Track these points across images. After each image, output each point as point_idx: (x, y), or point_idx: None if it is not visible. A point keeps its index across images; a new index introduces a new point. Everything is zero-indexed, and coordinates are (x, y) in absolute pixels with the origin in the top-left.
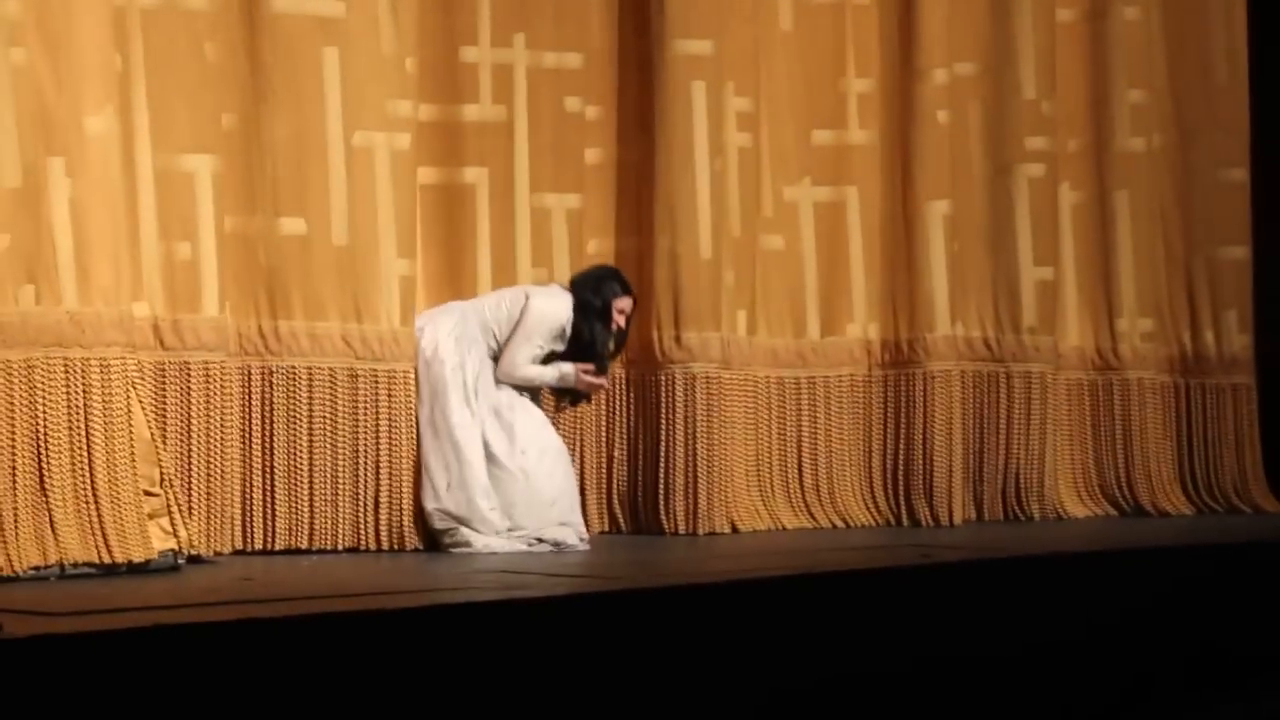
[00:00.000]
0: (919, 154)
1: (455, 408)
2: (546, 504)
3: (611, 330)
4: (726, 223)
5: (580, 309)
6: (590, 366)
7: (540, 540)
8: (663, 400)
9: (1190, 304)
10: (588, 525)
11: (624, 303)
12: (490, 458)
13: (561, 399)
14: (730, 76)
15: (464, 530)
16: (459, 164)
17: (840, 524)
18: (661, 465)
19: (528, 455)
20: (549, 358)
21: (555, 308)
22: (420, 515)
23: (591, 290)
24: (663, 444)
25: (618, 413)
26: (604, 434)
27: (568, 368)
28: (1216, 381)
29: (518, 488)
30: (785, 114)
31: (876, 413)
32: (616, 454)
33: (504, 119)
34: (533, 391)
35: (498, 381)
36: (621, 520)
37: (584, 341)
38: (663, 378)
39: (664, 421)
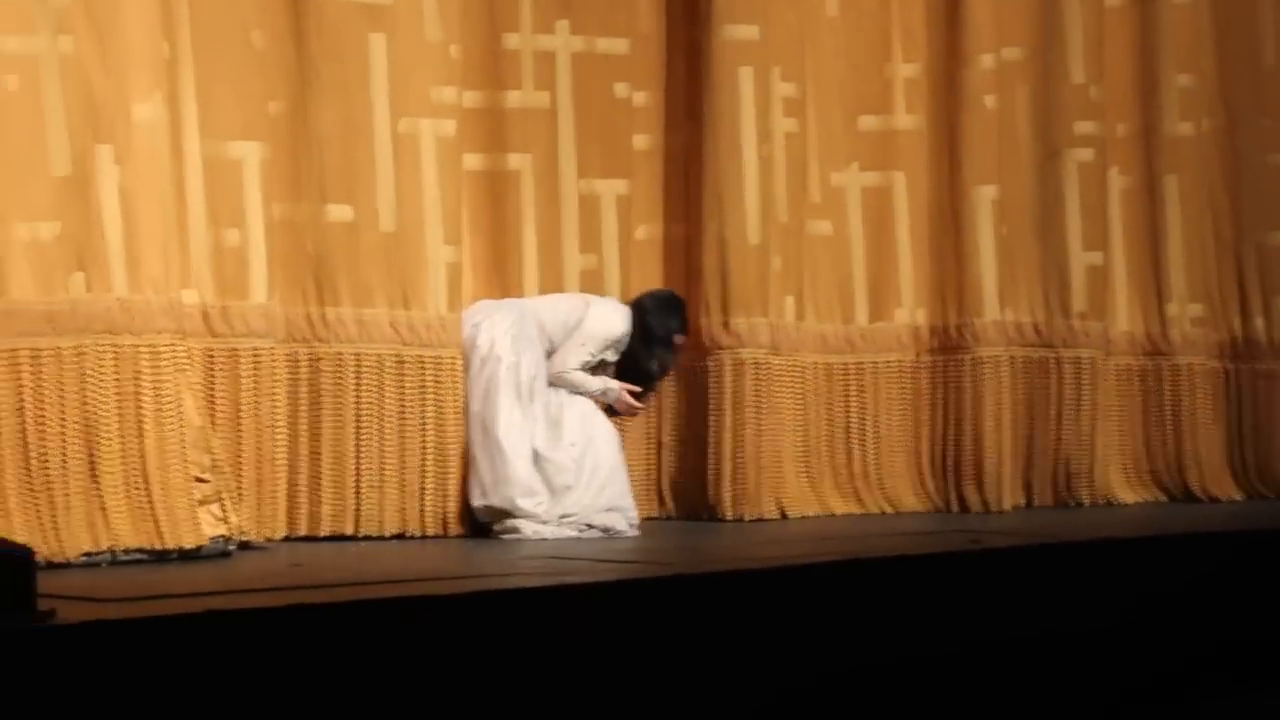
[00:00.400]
0: (966, 139)
1: (505, 407)
2: (596, 490)
3: (667, 361)
4: (774, 208)
5: (643, 333)
6: (635, 389)
7: (590, 526)
8: (711, 386)
9: (1240, 289)
10: (638, 511)
11: (681, 339)
12: (538, 455)
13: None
14: (777, 62)
15: (510, 520)
16: (503, 150)
17: (889, 510)
18: (710, 451)
19: (576, 446)
20: (596, 369)
21: (613, 321)
22: (467, 502)
23: (660, 317)
24: (711, 430)
25: (666, 399)
26: (652, 420)
27: (613, 384)
28: (1267, 367)
29: (567, 476)
30: (832, 99)
31: (925, 398)
32: (665, 440)
33: (546, 105)
34: None
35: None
36: (670, 506)
37: (640, 366)
38: (711, 364)
39: (712, 407)
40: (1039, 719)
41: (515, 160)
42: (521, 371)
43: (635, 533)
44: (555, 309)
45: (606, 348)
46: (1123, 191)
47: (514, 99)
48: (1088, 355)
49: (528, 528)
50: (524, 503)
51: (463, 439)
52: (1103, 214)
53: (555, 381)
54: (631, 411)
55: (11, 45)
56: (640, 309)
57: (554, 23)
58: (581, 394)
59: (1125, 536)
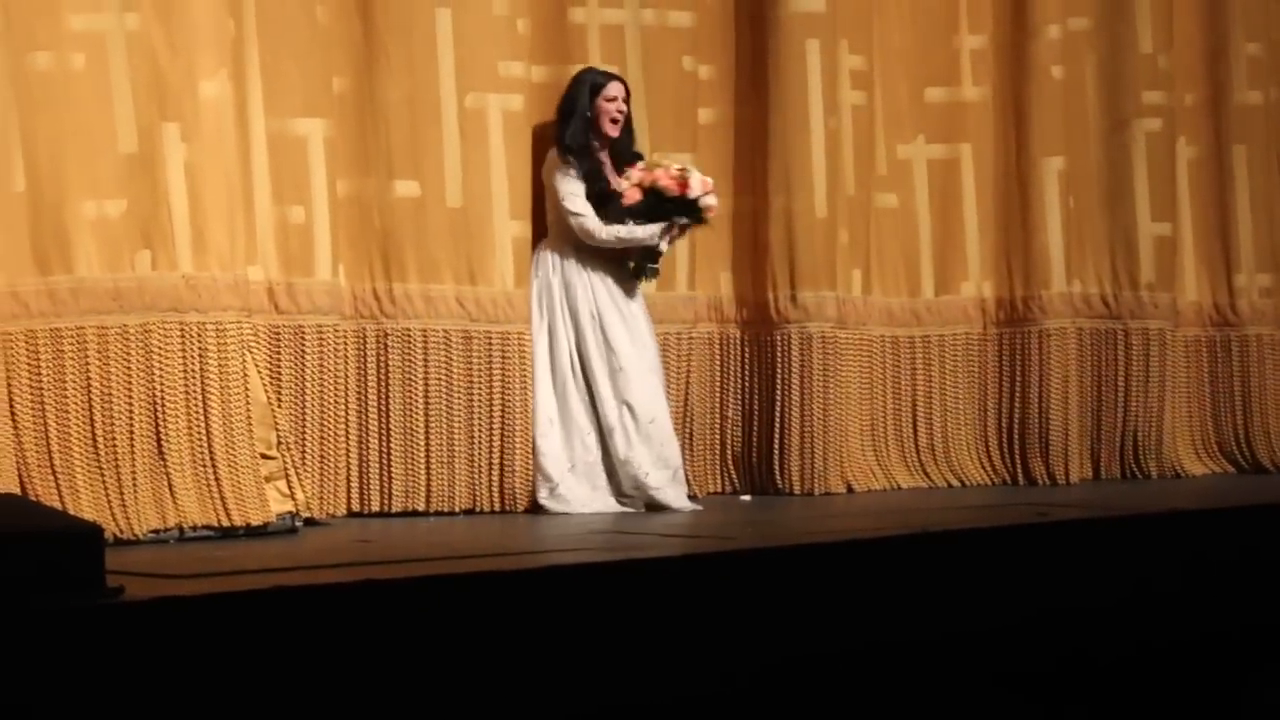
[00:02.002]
0: (1033, 110)
1: (538, 379)
2: (654, 463)
3: (603, 126)
4: (841, 182)
5: (563, 141)
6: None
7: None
8: (779, 360)
9: None
10: (702, 486)
11: (613, 89)
12: (604, 428)
13: (641, 270)
14: (844, 34)
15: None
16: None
17: (956, 483)
18: (777, 425)
19: (623, 424)
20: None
21: (552, 153)
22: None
23: (566, 106)
24: (778, 404)
25: (732, 372)
26: (718, 394)
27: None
28: None
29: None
30: (899, 72)
31: (992, 371)
32: (730, 414)
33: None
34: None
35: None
36: (735, 480)
37: (587, 159)
38: (778, 337)
39: (780, 381)
40: (1107, 688)
41: None
42: (553, 336)
43: (695, 507)
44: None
45: (577, 178)
46: (1190, 161)
47: None
48: (1156, 327)
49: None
50: (550, 477)
51: (530, 414)
52: (1171, 184)
53: (591, 242)
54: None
55: (78, 24)
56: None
57: None
58: (639, 244)
59: (1193, 509)
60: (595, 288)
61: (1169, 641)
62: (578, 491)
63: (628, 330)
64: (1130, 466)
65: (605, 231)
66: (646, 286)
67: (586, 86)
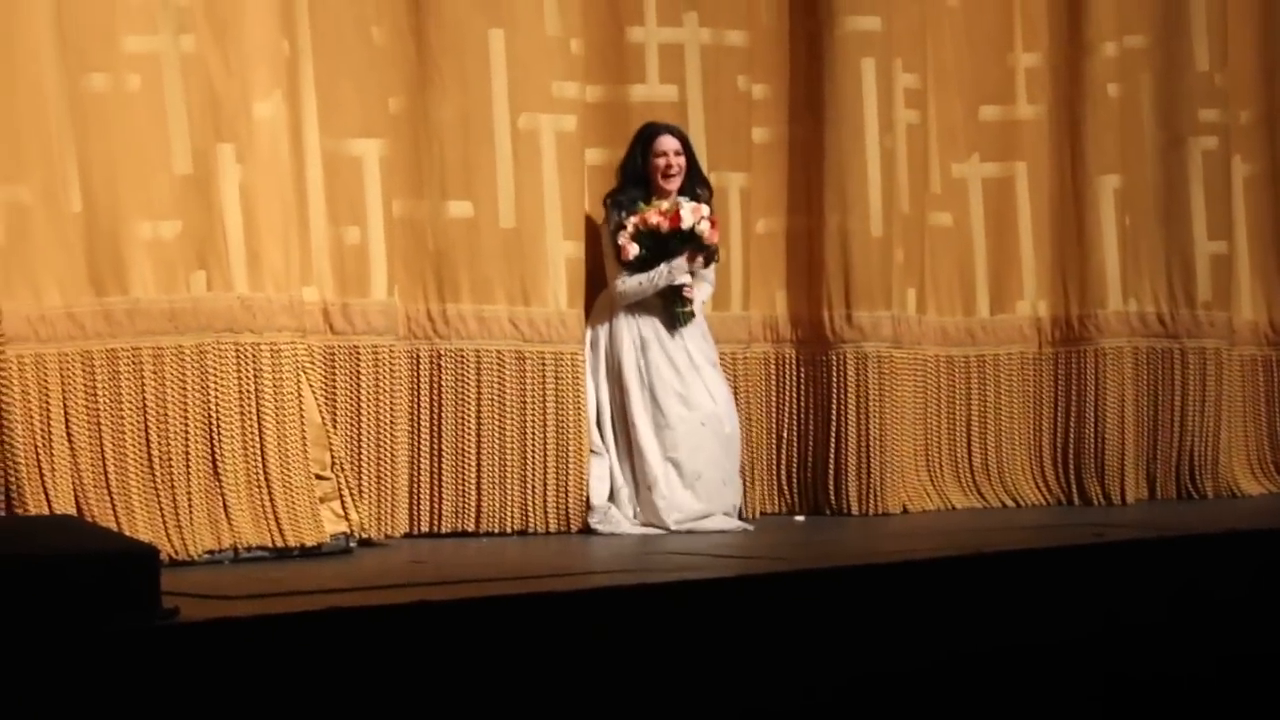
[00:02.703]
0: (1089, 128)
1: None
2: (718, 483)
3: (657, 181)
4: (896, 200)
5: (613, 194)
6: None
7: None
8: (834, 380)
9: None
10: (758, 506)
11: (662, 143)
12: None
13: (674, 315)
14: (899, 53)
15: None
16: (626, 145)
17: (1010, 503)
18: (832, 445)
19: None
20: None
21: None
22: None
23: (622, 162)
24: (834, 424)
25: (787, 392)
26: (773, 414)
27: (664, 266)
28: None
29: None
30: (953, 90)
31: (1047, 391)
32: (785, 434)
33: (673, 98)
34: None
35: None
36: (791, 501)
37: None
38: (834, 357)
39: (835, 401)
40: (1164, 709)
41: None
42: (599, 350)
43: (745, 526)
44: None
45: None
46: (1246, 179)
47: (639, 93)
48: (1213, 346)
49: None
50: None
51: (584, 434)
52: (1227, 202)
53: (623, 301)
54: (680, 278)
55: (134, 45)
56: (611, 195)
57: (681, 15)
58: (654, 291)
59: (1249, 528)
60: (645, 340)
61: (1224, 661)
62: (619, 519)
63: (681, 383)
64: (1186, 486)
65: (623, 285)
66: (714, 320)
67: (639, 143)
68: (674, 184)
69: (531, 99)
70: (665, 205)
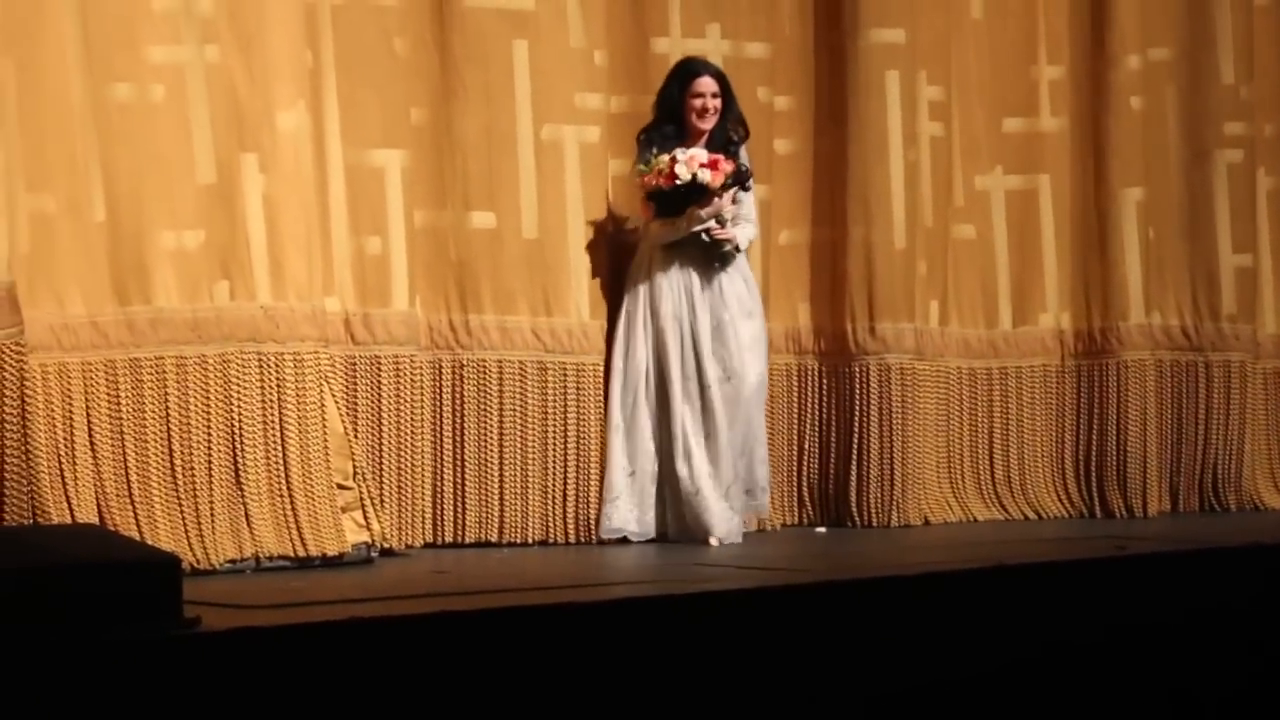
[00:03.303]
0: (1112, 141)
1: (611, 379)
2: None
3: (691, 120)
4: (919, 213)
5: (646, 130)
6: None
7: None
8: (856, 391)
9: None
10: (779, 518)
11: (701, 84)
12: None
13: (712, 258)
14: (923, 65)
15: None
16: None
17: (1032, 516)
18: (854, 457)
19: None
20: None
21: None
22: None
23: (657, 99)
24: (856, 435)
25: (810, 404)
26: (795, 425)
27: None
28: None
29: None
30: (976, 102)
31: (1069, 403)
32: (808, 446)
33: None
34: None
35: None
36: (812, 512)
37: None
38: (856, 368)
39: (857, 413)
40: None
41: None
42: (626, 358)
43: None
44: None
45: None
46: (1271, 192)
47: None
48: (1237, 359)
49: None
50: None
51: (605, 445)
52: (1251, 215)
53: (654, 241)
54: (702, 222)
55: (158, 55)
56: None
57: (704, 27)
58: (685, 236)
59: (1273, 542)
60: (690, 291)
61: (1247, 675)
62: (624, 510)
63: (722, 346)
64: (1209, 499)
65: (653, 226)
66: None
67: (676, 80)
68: (708, 124)
69: (555, 110)
70: (661, 163)
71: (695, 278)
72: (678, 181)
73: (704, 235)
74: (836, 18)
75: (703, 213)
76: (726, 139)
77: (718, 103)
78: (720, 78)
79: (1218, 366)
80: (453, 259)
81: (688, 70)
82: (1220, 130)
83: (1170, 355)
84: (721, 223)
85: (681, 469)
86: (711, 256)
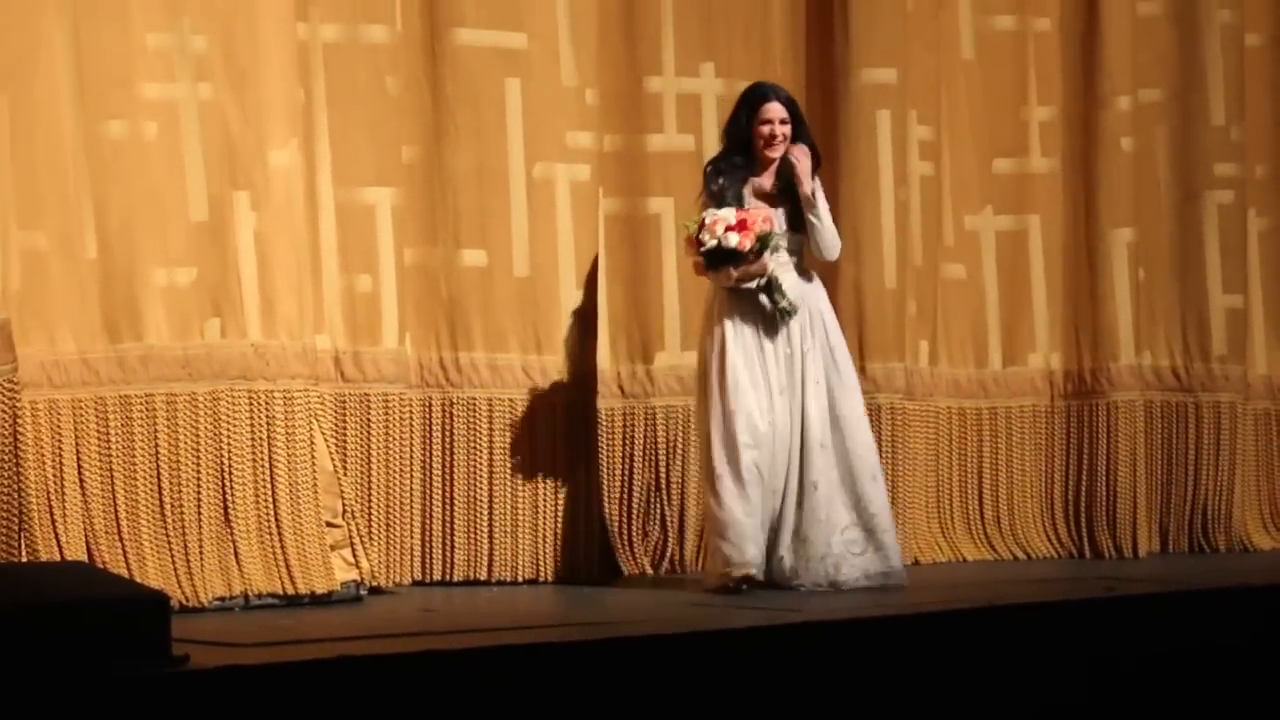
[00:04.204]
0: (1103, 181)
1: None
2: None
3: (759, 149)
4: (910, 252)
5: (714, 161)
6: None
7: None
8: None
9: None
10: None
11: (769, 110)
12: None
13: (774, 308)
14: (913, 105)
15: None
16: (644, 194)
17: (1022, 556)
18: None
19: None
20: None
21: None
22: (602, 546)
23: (726, 127)
24: None
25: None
26: None
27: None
28: None
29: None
30: (967, 143)
31: (1059, 443)
32: None
33: (690, 148)
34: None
35: None
36: None
37: (719, 181)
38: None
39: None
40: None
41: (656, 204)
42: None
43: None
44: None
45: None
46: (1262, 233)
47: (656, 142)
48: (1227, 400)
49: None
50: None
51: (596, 483)
52: (1242, 256)
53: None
54: (746, 276)
55: (152, 92)
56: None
57: (698, 66)
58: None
59: (1263, 584)
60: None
61: (1237, 716)
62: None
63: (753, 389)
64: (1199, 540)
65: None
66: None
67: (745, 106)
68: (777, 152)
69: (546, 148)
70: (690, 227)
71: (748, 331)
72: (704, 250)
73: (760, 288)
74: (828, 57)
75: (734, 274)
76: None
77: (787, 129)
78: (791, 104)
79: (1208, 407)
80: (443, 297)
81: (756, 95)
82: (1211, 171)
83: (1160, 396)
84: (768, 283)
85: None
86: (768, 314)
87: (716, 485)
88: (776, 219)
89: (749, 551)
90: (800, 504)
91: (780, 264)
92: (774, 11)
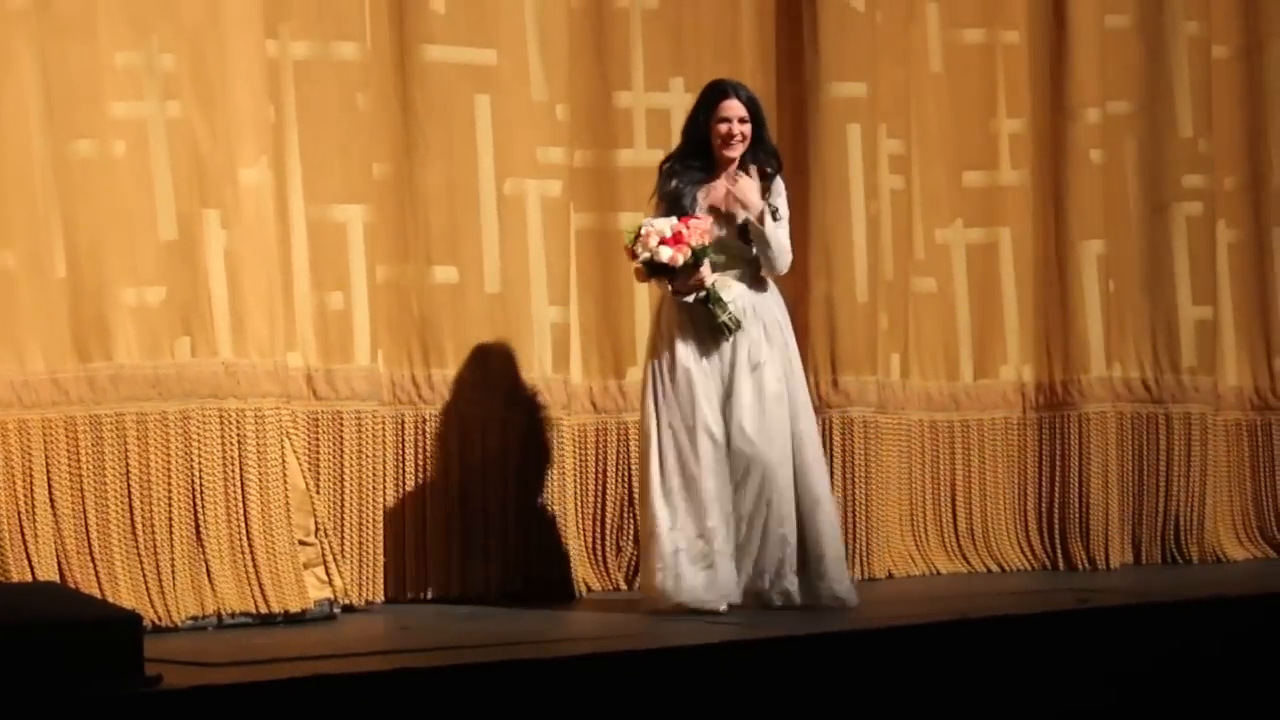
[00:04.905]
0: (1072, 193)
1: None
2: None
3: (716, 148)
4: (881, 266)
5: (669, 160)
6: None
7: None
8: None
9: None
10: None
11: (727, 108)
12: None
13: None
14: (883, 119)
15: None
16: (615, 209)
17: (995, 568)
18: None
19: None
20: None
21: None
22: (575, 562)
23: (684, 134)
24: None
25: None
26: None
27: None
28: None
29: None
30: (936, 156)
31: (1031, 456)
32: None
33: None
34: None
35: None
36: None
37: (671, 180)
38: (820, 422)
39: None
40: None
41: (627, 219)
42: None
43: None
44: None
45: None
46: (1231, 245)
47: (626, 157)
48: (1198, 411)
49: None
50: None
51: (569, 499)
52: (1211, 268)
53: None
54: (684, 290)
55: (120, 111)
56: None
57: (668, 80)
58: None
59: (1236, 595)
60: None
61: None
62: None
63: (699, 401)
64: (1171, 551)
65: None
66: None
67: (703, 104)
68: (734, 153)
69: (517, 164)
70: (628, 236)
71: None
72: (638, 262)
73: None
74: (798, 72)
75: (670, 289)
76: (760, 173)
77: (746, 129)
78: (752, 103)
79: (1178, 419)
80: (415, 314)
81: (716, 92)
82: (1179, 183)
83: (1131, 407)
84: (708, 297)
85: None
86: (711, 327)
87: (653, 500)
88: (722, 228)
89: (685, 579)
90: (752, 521)
91: (729, 275)
92: (743, 26)
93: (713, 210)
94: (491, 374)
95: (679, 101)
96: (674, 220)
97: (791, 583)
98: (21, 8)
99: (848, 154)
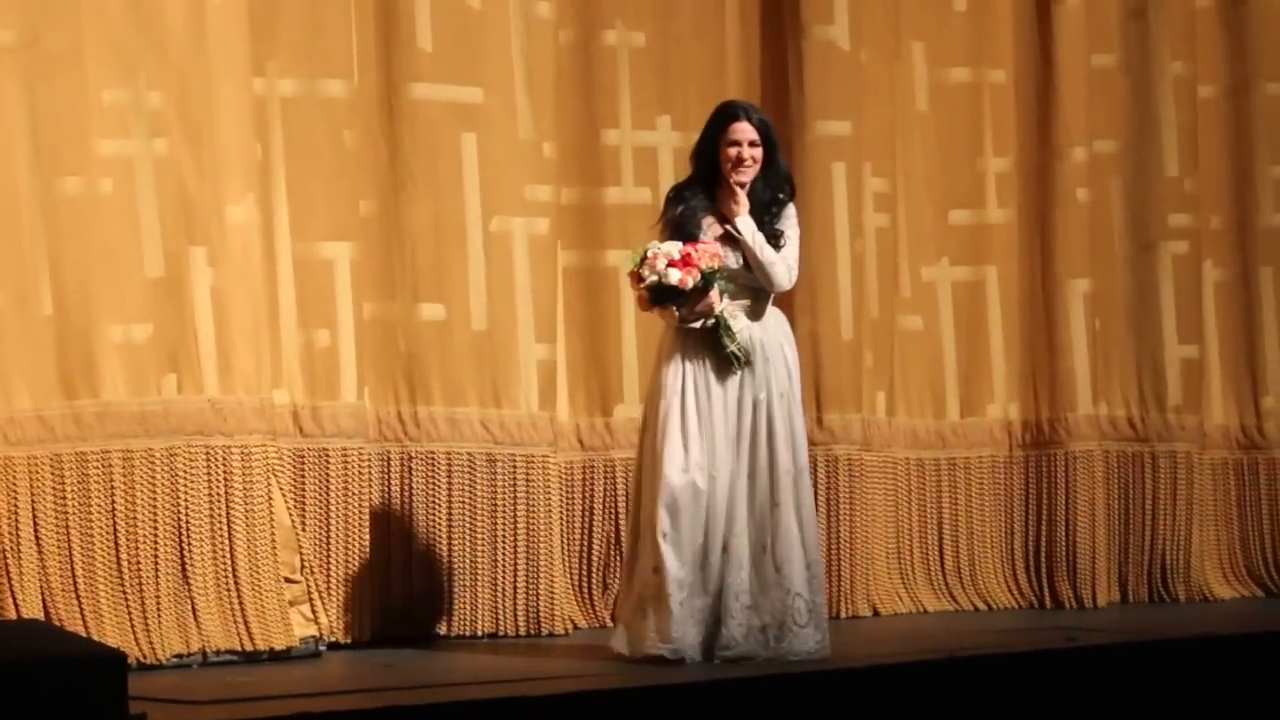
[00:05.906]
0: (1059, 232)
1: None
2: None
3: (727, 172)
4: (866, 304)
5: (678, 187)
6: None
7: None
8: None
9: None
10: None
11: (737, 130)
12: None
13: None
14: (869, 157)
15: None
16: (602, 247)
17: (982, 606)
18: None
19: None
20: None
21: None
22: (561, 599)
23: (694, 157)
24: None
25: None
26: None
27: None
28: None
29: None
30: (922, 194)
31: (1018, 494)
32: None
33: (647, 200)
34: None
35: None
36: None
37: (679, 205)
38: None
39: None
40: None
41: (614, 257)
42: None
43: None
44: None
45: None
46: (1217, 284)
47: (613, 195)
48: (1184, 449)
49: None
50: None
51: (556, 536)
52: (1197, 307)
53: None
54: (693, 316)
55: (107, 149)
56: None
57: (655, 119)
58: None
59: (1222, 633)
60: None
61: None
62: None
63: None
64: (1158, 590)
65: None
66: None
67: (714, 126)
68: (745, 177)
69: (504, 202)
70: (633, 260)
71: (701, 371)
72: (644, 286)
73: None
74: (784, 110)
75: (678, 313)
76: (772, 197)
77: (757, 153)
78: (764, 125)
79: (1164, 457)
80: (401, 351)
81: (726, 114)
82: (1165, 222)
83: (1117, 446)
84: (717, 324)
85: None
86: (719, 358)
87: (638, 543)
88: (732, 255)
89: (665, 629)
90: (749, 566)
91: (736, 306)
92: (729, 64)
93: (725, 239)
94: (477, 411)
95: (666, 140)
96: (680, 243)
97: (776, 633)
98: (8, 44)
99: (833, 192)
